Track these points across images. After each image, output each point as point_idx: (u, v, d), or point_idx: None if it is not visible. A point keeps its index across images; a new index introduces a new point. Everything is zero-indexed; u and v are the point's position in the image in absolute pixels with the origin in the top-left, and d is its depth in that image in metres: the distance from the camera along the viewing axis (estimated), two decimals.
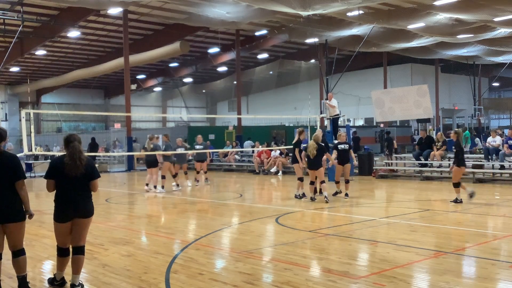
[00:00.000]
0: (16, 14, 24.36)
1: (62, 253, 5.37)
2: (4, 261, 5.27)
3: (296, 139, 12.90)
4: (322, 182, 12.13)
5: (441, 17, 24.10)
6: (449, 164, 14.51)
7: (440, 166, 17.89)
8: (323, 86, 29.83)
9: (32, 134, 14.16)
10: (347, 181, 12.70)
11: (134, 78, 42.43)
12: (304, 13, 21.12)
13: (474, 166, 16.98)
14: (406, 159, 21.23)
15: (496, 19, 23.92)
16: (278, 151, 22.02)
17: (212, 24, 26.94)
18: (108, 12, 25.39)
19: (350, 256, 6.58)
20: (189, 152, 18.15)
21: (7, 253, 5.12)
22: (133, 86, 39.37)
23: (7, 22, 26.10)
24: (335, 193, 12.84)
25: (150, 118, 56.15)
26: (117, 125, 34.82)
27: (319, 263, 6.38)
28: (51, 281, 5.50)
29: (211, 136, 29.77)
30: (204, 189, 16.43)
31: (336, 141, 13.79)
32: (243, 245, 7.41)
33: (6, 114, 46.63)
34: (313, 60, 39.42)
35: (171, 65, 42.19)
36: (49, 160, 21.62)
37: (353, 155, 13.58)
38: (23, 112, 14.14)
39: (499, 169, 16.60)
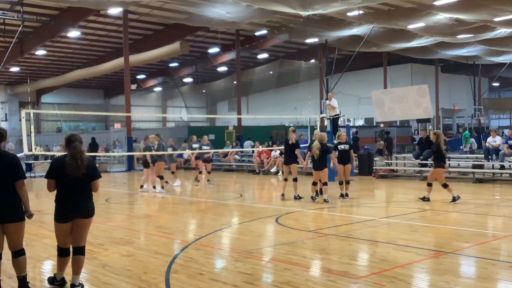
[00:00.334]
0: (16, 14, 24.36)
1: (62, 253, 5.37)
2: (4, 261, 5.26)
3: (293, 139, 12.58)
4: (325, 183, 12.02)
5: (441, 17, 24.11)
6: (431, 164, 14.55)
7: None
8: (323, 86, 29.82)
9: (32, 134, 14.17)
10: (347, 182, 12.69)
11: (134, 78, 42.43)
12: (304, 13, 21.12)
13: (474, 166, 16.99)
14: (406, 159, 21.23)
15: (496, 19, 23.92)
16: (278, 151, 22.01)
17: (212, 24, 26.94)
18: (108, 12, 25.38)
19: (350, 256, 6.58)
20: (189, 152, 18.18)
21: (7, 253, 5.12)
22: (133, 86, 39.36)
23: (7, 22, 26.11)
24: (341, 196, 12.71)
25: (150, 118, 56.15)
26: (117, 125, 34.82)
27: (319, 263, 6.38)
28: (51, 281, 5.50)
29: (211, 136, 29.75)
30: (204, 189, 16.43)
31: (336, 141, 13.75)
32: (243, 245, 7.41)
33: (6, 114, 46.66)
34: (313, 60, 39.40)
35: (171, 65, 42.19)
36: (49, 160, 21.64)
37: (353, 155, 13.56)
38: (23, 112, 14.13)
39: (499, 169, 16.61)
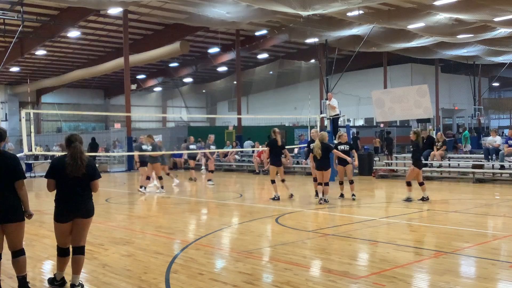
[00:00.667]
0: (16, 14, 24.37)
1: (62, 253, 5.37)
2: (4, 261, 5.27)
3: (279, 140, 12.57)
4: (326, 184, 11.92)
5: (441, 17, 24.11)
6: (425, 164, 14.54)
7: (440, 166, 17.89)
8: (323, 86, 29.83)
9: (32, 134, 14.17)
10: (351, 182, 12.50)
11: (134, 78, 42.43)
12: (304, 13, 21.12)
13: (474, 166, 16.98)
14: (406, 159, 21.20)
15: (496, 19, 23.93)
16: None
17: (212, 24, 26.94)
18: (108, 12, 25.39)
19: (350, 256, 6.58)
20: (185, 151, 18.20)
21: (7, 253, 5.11)
22: (133, 86, 39.37)
23: (7, 22, 26.12)
24: (341, 196, 12.71)
25: (150, 118, 56.16)
26: (117, 125, 34.81)
27: (319, 263, 6.38)
28: (51, 281, 5.49)
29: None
30: (204, 189, 16.42)
31: (336, 142, 13.73)
32: (243, 245, 7.40)
33: (6, 114, 46.64)
34: (313, 60, 39.42)
35: (171, 65, 42.19)
36: (49, 160, 21.63)
37: (355, 155, 13.50)
38: (23, 112, 14.13)
39: (499, 169, 16.60)
